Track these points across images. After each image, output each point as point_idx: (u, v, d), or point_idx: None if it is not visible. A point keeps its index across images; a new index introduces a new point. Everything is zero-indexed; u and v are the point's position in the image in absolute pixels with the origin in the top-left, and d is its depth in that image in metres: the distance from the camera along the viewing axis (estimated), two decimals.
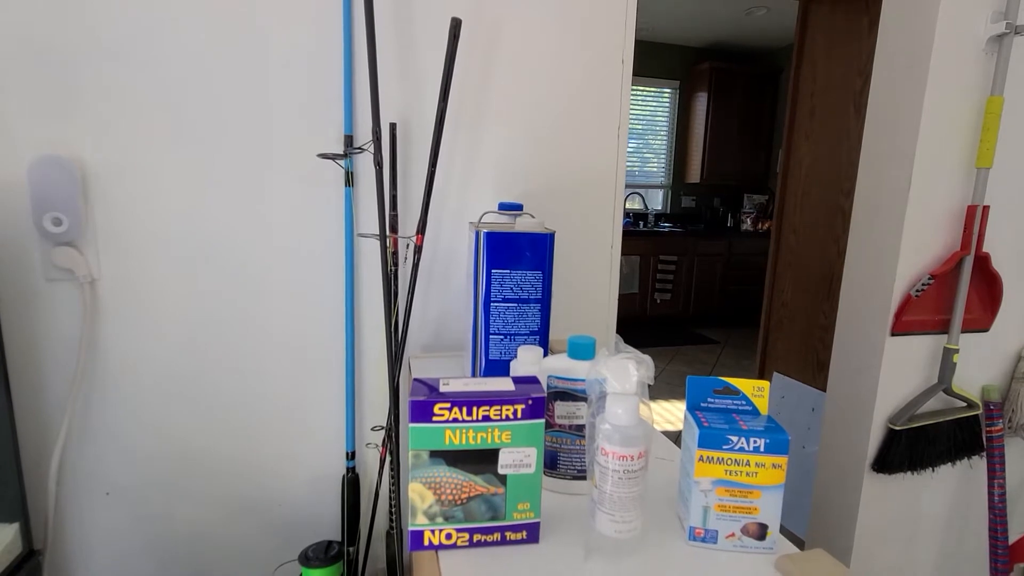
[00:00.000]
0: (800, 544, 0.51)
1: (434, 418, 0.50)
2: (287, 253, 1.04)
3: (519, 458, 0.52)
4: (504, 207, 0.92)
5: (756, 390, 0.55)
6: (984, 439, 1.39)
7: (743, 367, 3.85)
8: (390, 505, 1.05)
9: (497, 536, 0.53)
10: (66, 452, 0.98)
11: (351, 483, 1.08)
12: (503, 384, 0.54)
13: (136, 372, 1.00)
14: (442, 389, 0.52)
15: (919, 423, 1.33)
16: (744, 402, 0.56)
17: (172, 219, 0.98)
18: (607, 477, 0.50)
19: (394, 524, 1.04)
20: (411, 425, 0.50)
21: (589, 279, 1.23)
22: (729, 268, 4.82)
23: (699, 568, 0.51)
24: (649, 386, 0.53)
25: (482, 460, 0.51)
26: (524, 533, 0.54)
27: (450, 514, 0.52)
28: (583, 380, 0.61)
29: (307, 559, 0.99)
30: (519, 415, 0.51)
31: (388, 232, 0.99)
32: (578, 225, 1.20)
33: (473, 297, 0.82)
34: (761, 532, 0.53)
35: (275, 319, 1.05)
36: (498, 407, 0.51)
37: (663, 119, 5.05)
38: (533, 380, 0.55)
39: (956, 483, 1.45)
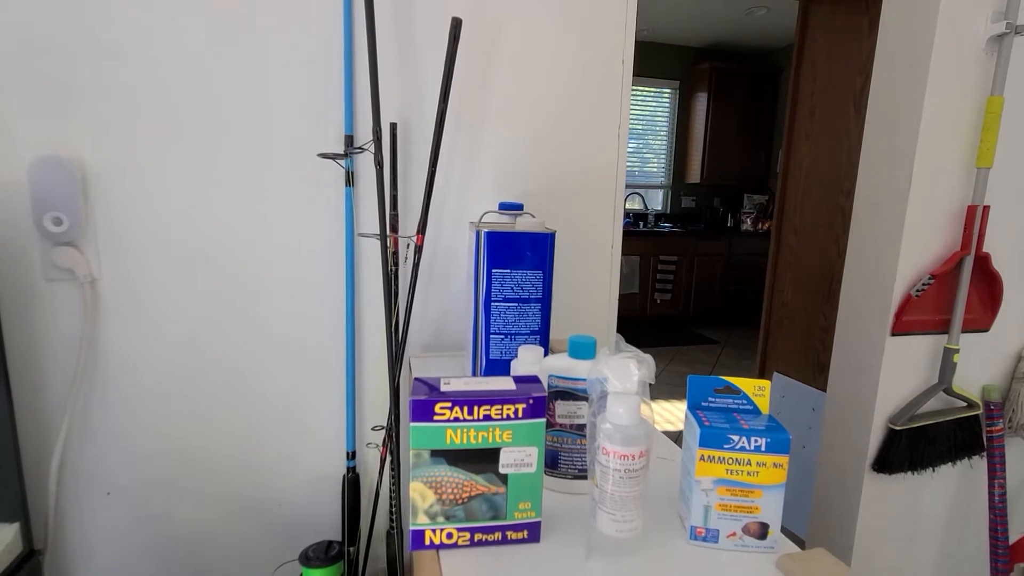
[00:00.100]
0: (800, 544, 0.51)
1: (435, 417, 0.50)
2: (287, 253, 1.04)
3: (520, 457, 0.52)
4: (504, 207, 0.92)
5: (757, 389, 0.55)
6: (984, 439, 1.39)
7: (743, 367, 3.85)
8: (390, 505, 1.05)
9: (498, 535, 0.53)
10: (66, 452, 0.98)
11: (351, 483, 1.08)
12: (504, 383, 0.53)
13: (136, 372, 1.00)
14: (443, 388, 0.52)
15: (919, 423, 1.33)
16: (745, 401, 0.56)
17: (172, 219, 0.98)
18: (608, 476, 0.50)
19: (394, 524, 1.04)
20: (412, 424, 0.50)
21: (589, 279, 1.23)
22: (729, 268, 4.82)
23: (700, 567, 0.51)
24: (650, 385, 0.53)
25: (483, 459, 0.51)
26: (525, 532, 0.54)
27: (451, 513, 0.52)
28: (584, 379, 0.61)
29: (307, 559, 0.99)
30: (520, 414, 0.51)
31: (388, 232, 0.99)
32: (578, 225, 1.20)
33: (474, 297, 0.82)
34: (762, 531, 0.53)
35: (275, 319, 1.05)
36: (499, 406, 0.51)
37: (663, 119, 5.05)
38: (534, 379, 0.55)
39: (956, 483, 1.45)
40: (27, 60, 0.88)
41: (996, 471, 1.36)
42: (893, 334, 1.30)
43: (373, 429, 1.14)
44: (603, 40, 1.14)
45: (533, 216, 0.88)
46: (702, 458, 0.52)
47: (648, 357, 0.53)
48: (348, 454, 1.09)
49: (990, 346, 1.41)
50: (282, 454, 1.10)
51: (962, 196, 1.28)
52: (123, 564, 1.05)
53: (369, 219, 1.07)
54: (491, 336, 0.81)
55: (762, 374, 2.18)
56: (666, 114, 5.05)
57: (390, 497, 1.07)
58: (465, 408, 0.50)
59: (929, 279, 1.26)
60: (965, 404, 1.36)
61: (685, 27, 4.46)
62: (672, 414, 2.98)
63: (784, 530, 0.54)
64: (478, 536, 0.53)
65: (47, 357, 0.95)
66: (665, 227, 4.86)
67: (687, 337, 4.54)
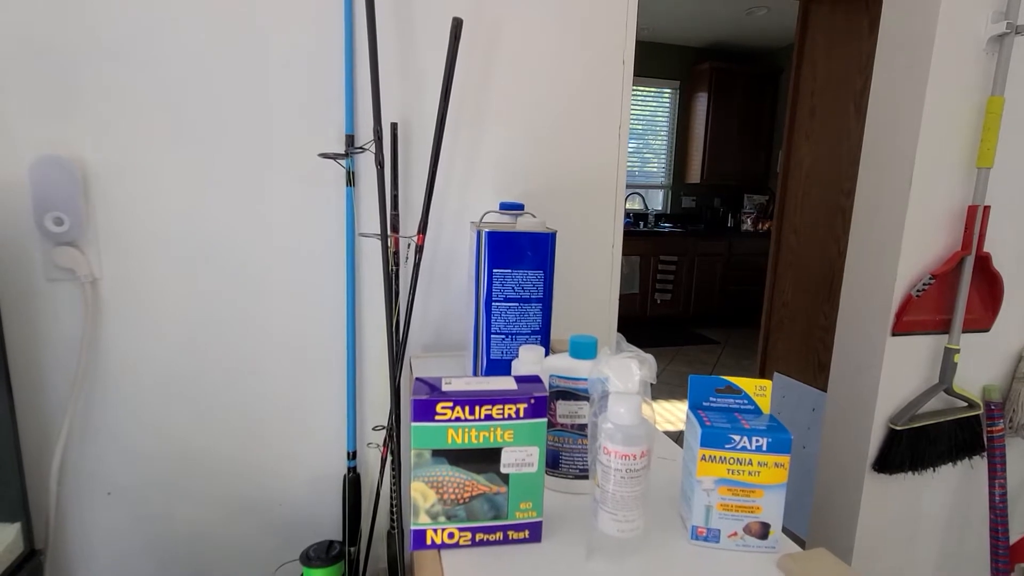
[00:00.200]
0: (801, 544, 0.51)
1: (436, 417, 0.50)
2: (287, 253, 1.04)
3: (521, 457, 0.52)
4: (505, 207, 0.92)
5: (758, 389, 0.55)
6: (985, 439, 1.39)
7: (743, 367, 3.85)
8: (391, 505, 1.05)
9: (499, 535, 0.53)
10: (67, 452, 0.98)
11: (352, 483, 1.08)
12: (505, 383, 0.53)
13: (136, 372, 1.00)
14: (444, 388, 0.52)
15: (920, 423, 1.33)
16: (746, 401, 0.56)
17: (172, 219, 0.98)
18: (609, 476, 0.50)
19: (395, 524, 1.04)
20: (413, 424, 0.50)
21: (590, 279, 1.23)
22: (729, 268, 4.82)
23: (701, 567, 0.51)
24: (651, 385, 0.53)
25: (484, 459, 0.51)
26: (526, 532, 0.54)
27: (452, 513, 0.52)
28: (585, 379, 0.61)
29: (308, 559, 0.99)
30: (521, 414, 0.51)
31: (389, 232, 0.99)
32: (579, 225, 1.20)
33: (475, 296, 0.82)
34: (764, 531, 0.53)
35: (275, 319, 1.05)
36: (500, 406, 0.51)
37: (663, 119, 5.05)
38: (535, 379, 0.55)
39: (957, 483, 1.45)
40: (27, 60, 0.88)
41: (997, 471, 1.36)
42: (894, 334, 1.30)
43: (374, 429, 1.14)
44: (604, 40, 1.14)
45: (534, 216, 0.88)
46: (703, 458, 0.52)
47: (649, 357, 0.53)
48: (349, 454, 1.09)
49: (991, 346, 1.41)
50: (282, 454, 1.10)
51: (963, 196, 1.28)
52: (124, 564, 1.05)
53: (370, 219, 1.07)
54: (492, 336, 0.81)
55: (762, 374, 2.18)
56: (666, 114, 5.05)
57: (391, 497, 1.07)
58: (467, 408, 0.50)
59: (930, 279, 1.26)
60: (966, 404, 1.36)
61: (685, 27, 4.46)
62: (672, 414, 2.98)
63: (784, 530, 0.54)
64: (479, 536, 0.53)
65: (48, 357, 0.95)
66: (665, 227, 4.86)
67: (687, 337, 4.54)
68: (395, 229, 1.02)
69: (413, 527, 0.52)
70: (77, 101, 0.91)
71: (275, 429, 1.09)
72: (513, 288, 0.79)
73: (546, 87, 1.12)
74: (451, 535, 0.53)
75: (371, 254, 1.08)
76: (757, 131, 4.96)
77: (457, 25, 0.92)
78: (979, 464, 1.44)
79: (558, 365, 0.62)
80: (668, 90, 5.00)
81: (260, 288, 1.04)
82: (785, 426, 0.53)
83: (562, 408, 0.62)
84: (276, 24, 0.97)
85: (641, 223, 4.98)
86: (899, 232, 1.27)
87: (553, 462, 0.63)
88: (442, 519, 0.52)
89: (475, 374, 0.85)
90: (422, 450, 0.51)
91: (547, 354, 0.73)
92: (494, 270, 0.78)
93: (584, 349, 0.62)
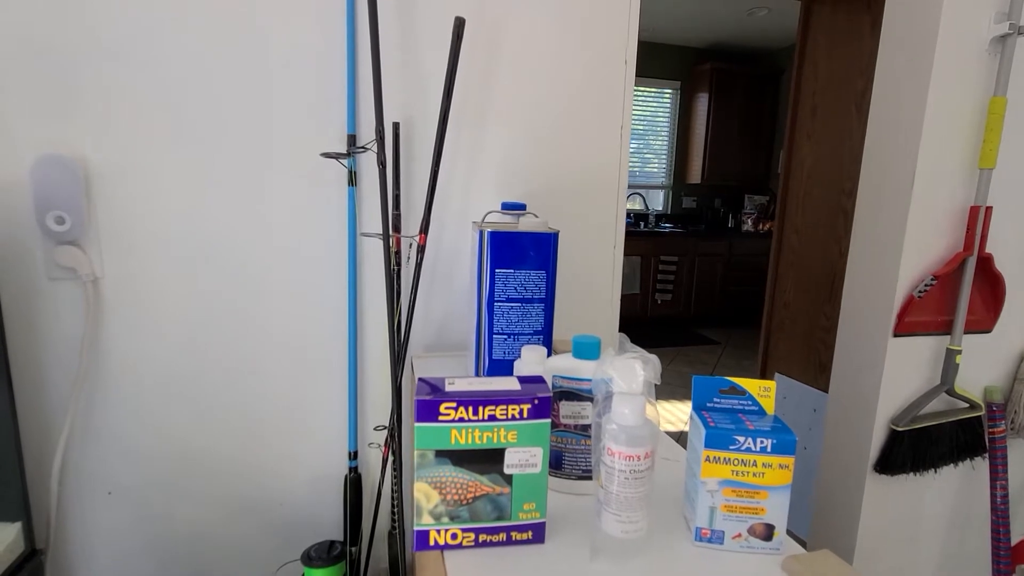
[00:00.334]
0: (802, 544, 0.51)
1: (440, 417, 0.50)
2: (287, 253, 1.04)
3: (525, 458, 0.52)
4: (507, 207, 0.91)
5: (762, 390, 0.55)
6: (986, 440, 1.39)
7: (744, 367, 3.85)
8: (393, 505, 1.04)
9: (503, 536, 0.53)
10: (68, 451, 0.98)
11: (353, 483, 1.08)
12: (509, 384, 0.53)
13: (137, 372, 1.00)
14: (448, 388, 0.52)
15: (921, 424, 1.33)
16: (750, 402, 0.55)
17: (173, 219, 0.98)
18: (613, 477, 0.50)
19: (397, 524, 1.04)
20: (417, 424, 0.50)
21: (592, 279, 1.23)
22: (730, 269, 4.82)
23: (705, 569, 0.51)
24: (657, 386, 0.53)
25: (488, 460, 0.51)
26: (530, 533, 0.54)
27: (456, 514, 0.52)
28: (588, 380, 0.61)
29: (310, 559, 0.99)
30: (525, 415, 0.51)
31: (391, 231, 0.98)
32: (581, 225, 1.20)
33: (477, 296, 0.82)
34: (768, 533, 0.53)
35: (275, 319, 1.05)
36: (504, 407, 0.50)
37: (664, 120, 5.05)
38: (539, 380, 0.55)
39: (959, 484, 1.45)
40: (27, 60, 0.88)
41: (998, 472, 1.36)
42: (895, 335, 1.30)
43: (375, 429, 1.14)
44: (605, 40, 1.14)
45: (536, 216, 0.88)
46: (708, 459, 0.52)
47: (653, 357, 0.53)
48: (350, 454, 1.09)
49: (992, 347, 1.40)
50: (283, 454, 1.10)
51: (965, 197, 1.28)
52: (124, 564, 1.04)
53: (371, 219, 1.07)
54: (494, 336, 0.80)
55: (763, 374, 2.18)
56: (667, 114, 5.05)
57: (392, 497, 1.06)
58: (470, 408, 0.50)
59: (931, 280, 1.26)
60: (967, 405, 1.36)
61: (686, 28, 4.46)
62: (673, 414, 2.98)
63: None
64: (483, 537, 0.53)
65: (49, 356, 0.95)
66: (666, 227, 4.86)
67: (688, 337, 4.54)
68: (397, 229, 1.02)
69: (416, 528, 0.52)
70: (77, 101, 0.91)
71: (275, 429, 1.08)
72: (515, 288, 0.79)
73: (548, 87, 1.12)
74: (454, 536, 0.52)
75: (373, 254, 1.08)
76: (758, 132, 4.96)
77: (460, 24, 0.92)
78: (981, 465, 1.44)
79: (561, 365, 0.62)
80: (669, 90, 5.00)
81: (260, 288, 1.04)
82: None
83: (565, 409, 0.62)
84: (277, 24, 0.97)
85: (642, 223, 4.98)
86: (901, 233, 1.26)
87: (556, 463, 0.63)
88: (445, 520, 0.52)
89: (477, 374, 0.85)
90: (425, 450, 0.50)
91: (549, 354, 0.73)
92: (496, 270, 0.78)
93: (587, 349, 0.62)
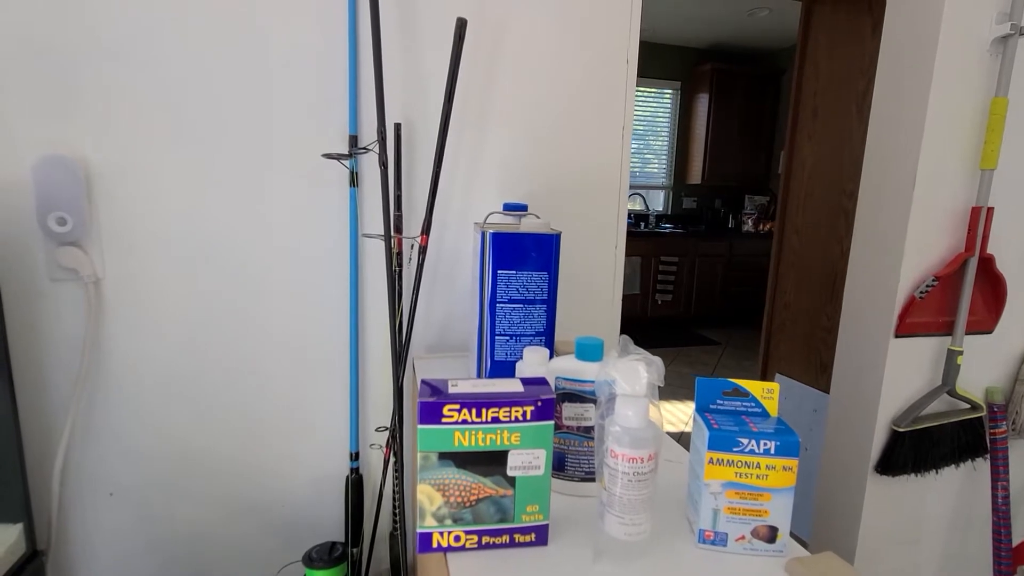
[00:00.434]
0: (803, 545, 0.51)
1: (443, 419, 0.50)
2: (287, 253, 1.04)
3: (528, 460, 0.52)
4: (509, 207, 0.91)
5: (766, 392, 0.55)
6: (988, 441, 1.39)
7: (744, 368, 3.85)
8: (394, 506, 1.04)
9: (506, 538, 0.53)
10: (69, 452, 0.98)
11: (355, 484, 1.08)
12: (512, 385, 0.53)
13: (137, 372, 1.00)
14: (451, 390, 0.52)
15: (923, 425, 1.33)
16: (753, 404, 0.55)
17: (173, 219, 0.97)
18: (617, 479, 0.50)
19: (398, 525, 1.04)
20: (420, 427, 0.50)
21: (593, 280, 1.23)
22: (730, 269, 4.82)
23: (709, 571, 0.51)
24: (660, 388, 0.53)
25: (491, 462, 0.51)
26: (533, 535, 0.54)
27: (459, 516, 0.52)
28: (591, 381, 0.61)
29: (311, 560, 0.99)
30: (528, 417, 0.51)
31: (393, 232, 0.98)
32: (582, 226, 1.19)
33: (479, 298, 0.82)
34: (771, 535, 0.52)
35: (275, 319, 1.05)
36: (507, 408, 0.50)
37: (664, 120, 5.05)
38: (542, 381, 0.55)
39: (960, 485, 1.45)
40: (27, 60, 0.88)
41: (1000, 473, 1.36)
42: (897, 336, 1.30)
43: (376, 430, 1.14)
44: (607, 41, 1.14)
45: (538, 217, 0.88)
46: (711, 461, 0.52)
47: (657, 359, 0.53)
48: (351, 455, 1.09)
49: (994, 348, 1.40)
50: (283, 454, 1.10)
51: (966, 198, 1.28)
52: (125, 565, 1.04)
53: (373, 219, 1.06)
54: (496, 337, 0.80)
55: (764, 375, 2.18)
56: (667, 115, 5.05)
57: (394, 498, 1.06)
58: (473, 410, 0.50)
59: (933, 281, 1.26)
60: (968, 406, 1.36)
61: (686, 28, 4.46)
62: (673, 415, 2.98)
63: None
64: (486, 539, 0.53)
65: (51, 357, 0.95)
66: (666, 228, 4.86)
67: (688, 338, 4.53)
68: (398, 230, 1.02)
69: (419, 530, 0.52)
70: (77, 101, 0.91)
71: (276, 429, 1.08)
72: (517, 289, 0.79)
73: (549, 87, 1.12)
74: (457, 538, 0.52)
75: (374, 254, 1.08)
76: (758, 132, 4.96)
77: (461, 25, 0.92)
78: (982, 466, 1.44)
79: (564, 367, 0.62)
80: (669, 91, 4.99)
81: (260, 288, 1.04)
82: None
83: (568, 410, 0.62)
84: (277, 24, 0.97)
85: (642, 224, 4.97)
86: (902, 233, 1.26)
87: (559, 464, 0.63)
88: (448, 522, 0.52)
89: (479, 376, 0.85)
90: (429, 452, 0.50)
91: (551, 356, 0.73)
92: (498, 271, 0.78)
93: (590, 351, 0.61)
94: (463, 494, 0.51)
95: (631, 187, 4.97)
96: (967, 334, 1.32)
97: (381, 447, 1.14)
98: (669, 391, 3.34)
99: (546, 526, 0.54)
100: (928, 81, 1.20)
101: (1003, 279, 1.32)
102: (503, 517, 0.53)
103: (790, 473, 0.51)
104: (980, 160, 1.26)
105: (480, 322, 0.82)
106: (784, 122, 4.63)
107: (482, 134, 1.10)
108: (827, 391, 1.68)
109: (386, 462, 1.10)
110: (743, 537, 0.53)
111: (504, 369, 0.81)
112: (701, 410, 0.56)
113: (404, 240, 1.05)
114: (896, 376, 1.32)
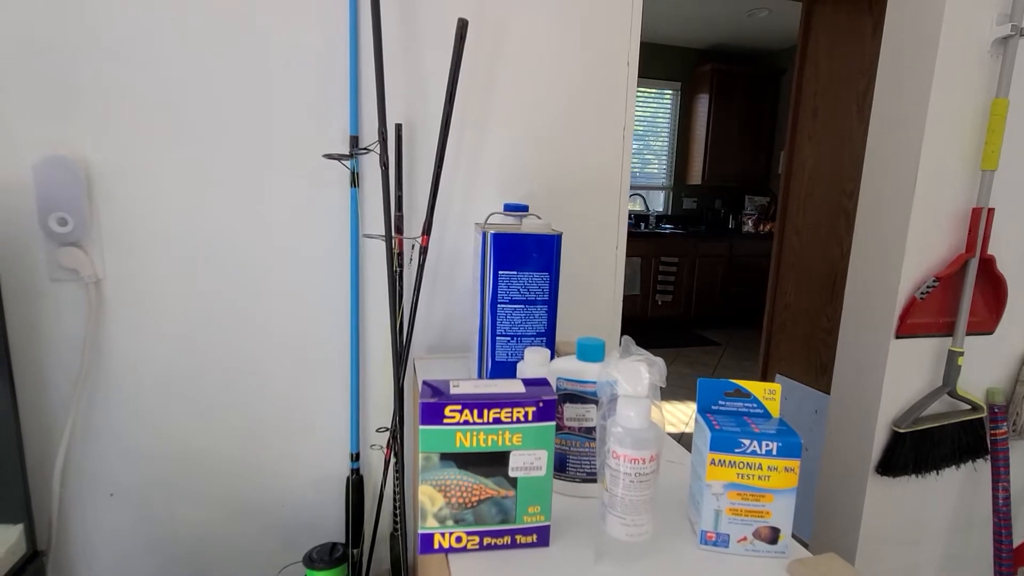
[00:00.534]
0: (804, 546, 0.51)
1: (445, 420, 0.50)
2: (287, 253, 1.04)
3: (530, 460, 0.52)
4: (510, 208, 0.91)
5: (768, 393, 0.55)
6: (988, 442, 1.39)
7: (744, 368, 3.85)
8: (395, 507, 1.04)
9: (507, 539, 0.53)
10: (70, 452, 0.98)
11: (355, 484, 1.08)
12: (513, 386, 0.53)
13: (138, 372, 1.00)
14: (452, 391, 0.52)
15: (923, 426, 1.33)
16: (755, 405, 0.55)
17: (173, 219, 0.97)
18: (618, 480, 0.50)
19: (399, 526, 1.04)
20: (422, 427, 0.50)
21: (594, 280, 1.22)
22: (730, 270, 4.82)
23: (710, 572, 0.51)
24: (661, 388, 0.53)
25: (493, 463, 0.51)
26: (534, 536, 0.53)
27: (460, 517, 0.52)
28: (592, 382, 0.60)
29: (311, 561, 0.99)
30: (530, 417, 0.51)
31: (393, 233, 0.98)
32: (583, 226, 1.19)
33: (480, 298, 0.82)
34: (773, 536, 0.52)
35: (275, 319, 1.05)
36: (509, 409, 0.50)
37: (664, 121, 5.05)
38: (543, 382, 0.55)
39: (960, 486, 1.45)
40: (27, 60, 0.88)
41: (1000, 474, 1.36)
42: (897, 336, 1.30)
43: (377, 431, 1.14)
44: (608, 41, 1.14)
45: (539, 217, 0.88)
46: (713, 462, 0.52)
47: (659, 360, 0.53)
48: (352, 455, 1.09)
49: (994, 349, 1.40)
50: (284, 455, 1.09)
51: (967, 198, 1.28)
52: (126, 565, 1.04)
53: (374, 220, 1.06)
54: (497, 338, 0.80)
55: (764, 376, 2.18)
56: (667, 115, 5.05)
57: (394, 499, 1.06)
58: (475, 411, 0.50)
59: (934, 282, 1.26)
60: (969, 407, 1.36)
61: (687, 29, 4.46)
62: (673, 416, 2.98)
63: None
64: (487, 540, 0.53)
65: (51, 357, 0.95)
66: (666, 228, 4.86)
67: (688, 339, 4.53)
68: (399, 230, 1.02)
69: (421, 531, 0.52)
70: (77, 101, 0.91)
71: (276, 429, 1.08)
72: (519, 290, 0.79)
73: (549, 88, 1.12)
74: (459, 539, 0.52)
75: (375, 255, 1.08)
76: (758, 133, 4.96)
77: (463, 26, 0.92)
78: (983, 467, 1.44)
79: (565, 368, 0.62)
80: (669, 91, 5.00)
81: (260, 288, 1.03)
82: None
83: (569, 411, 0.62)
84: (277, 24, 0.97)
85: (642, 224, 4.98)
86: (903, 234, 1.26)
87: (560, 465, 0.63)
88: (450, 523, 0.52)
89: (480, 376, 0.85)
90: (430, 453, 0.50)
91: (552, 356, 0.73)
92: (499, 272, 0.78)
93: (591, 352, 0.61)
94: (464, 495, 0.51)
95: (631, 188, 4.97)
96: (968, 335, 1.32)
97: (382, 448, 1.14)
98: (669, 392, 3.34)
99: (548, 527, 0.54)
100: (929, 82, 1.20)
101: (1004, 280, 1.32)
102: (505, 518, 0.52)
103: (792, 474, 0.51)
104: (981, 161, 1.26)
105: (481, 323, 0.82)
106: (784, 122, 4.63)
107: (483, 134, 1.10)
108: (827, 392, 1.68)
109: (387, 463, 1.10)
110: (745, 538, 0.53)
111: (505, 370, 0.81)
112: (703, 411, 0.56)
113: (405, 240, 1.05)
114: (897, 377, 1.32)
